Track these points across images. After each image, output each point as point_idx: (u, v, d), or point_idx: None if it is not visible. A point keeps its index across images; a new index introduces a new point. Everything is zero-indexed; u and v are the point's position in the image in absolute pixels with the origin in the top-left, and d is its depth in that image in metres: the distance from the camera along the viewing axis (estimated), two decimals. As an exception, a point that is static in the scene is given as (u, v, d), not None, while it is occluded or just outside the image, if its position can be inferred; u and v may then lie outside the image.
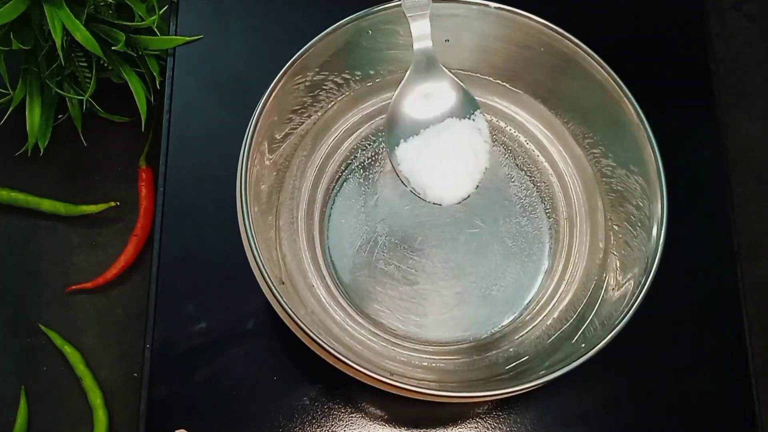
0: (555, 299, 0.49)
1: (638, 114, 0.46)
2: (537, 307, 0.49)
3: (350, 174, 0.52)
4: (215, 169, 0.52)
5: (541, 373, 0.41)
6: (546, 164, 0.52)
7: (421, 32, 0.46)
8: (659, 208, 0.44)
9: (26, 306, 0.57)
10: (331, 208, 0.51)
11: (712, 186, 0.55)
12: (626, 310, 0.42)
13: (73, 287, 0.57)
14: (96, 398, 0.54)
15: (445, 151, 0.46)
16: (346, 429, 0.49)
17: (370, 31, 0.48)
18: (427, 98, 0.47)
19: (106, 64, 0.55)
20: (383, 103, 0.53)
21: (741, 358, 0.51)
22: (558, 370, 0.41)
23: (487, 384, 0.45)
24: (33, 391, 0.55)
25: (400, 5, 0.47)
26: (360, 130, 0.53)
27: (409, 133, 0.47)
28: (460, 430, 0.49)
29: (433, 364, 0.48)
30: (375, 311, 0.49)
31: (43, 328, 0.56)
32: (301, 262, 0.49)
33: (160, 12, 0.56)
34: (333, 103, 0.52)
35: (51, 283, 0.57)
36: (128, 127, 0.60)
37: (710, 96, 0.57)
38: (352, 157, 0.52)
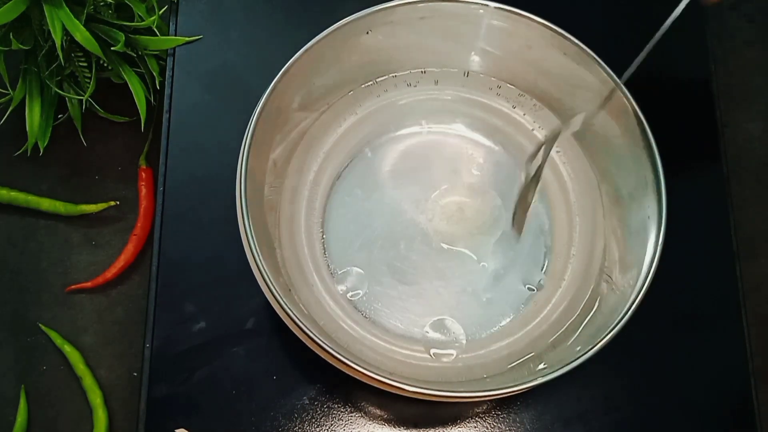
0: (554, 299, 0.49)
1: (637, 114, 0.46)
2: (536, 307, 0.49)
3: (350, 173, 0.52)
4: (215, 169, 0.52)
5: (540, 373, 0.41)
6: (547, 167, 0.52)
7: None
8: (659, 208, 0.44)
9: (26, 305, 0.57)
10: (331, 208, 0.51)
11: (712, 186, 0.55)
12: (625, 310, 0.42)
13: (73, 287, 0.57)
14: (96, 398, 0.54)
15: None
16: (345, 429, 0.49)
17: (369, 31, 0.48)
18: None
19: (105, 64, 0.55)
20: (383, 103, 0.53)
21: (740, 358, 0.51)
22: (558, 370, 0.41)
23: (487, 384, 0.45)
24: (33, 391, 0.55)
25: (399, 5, 0.47)
26: (360, 130, 0.53)
27: None
28: (459, 429, 0.49)
29: (433, 364, 0.48)
30: (374, 311, 0.49)
31: (42, 327, 0.56)
32: (300, 262, 0.49)
33: (160, 12, 0.56)
34: (332, 102, 0.52)
35: (51, 283, 0.57)
36: (128, 127, 0.60)
37: (710, 96, 0.57)
38: (352, 156, 0.52)
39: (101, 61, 0.55)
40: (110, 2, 0.54)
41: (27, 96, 0.56)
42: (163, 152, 0.53)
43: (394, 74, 0.52)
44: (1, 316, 0.57)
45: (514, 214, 0.50)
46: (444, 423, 0.49)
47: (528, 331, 0.49)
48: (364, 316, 0.48)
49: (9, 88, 0.56)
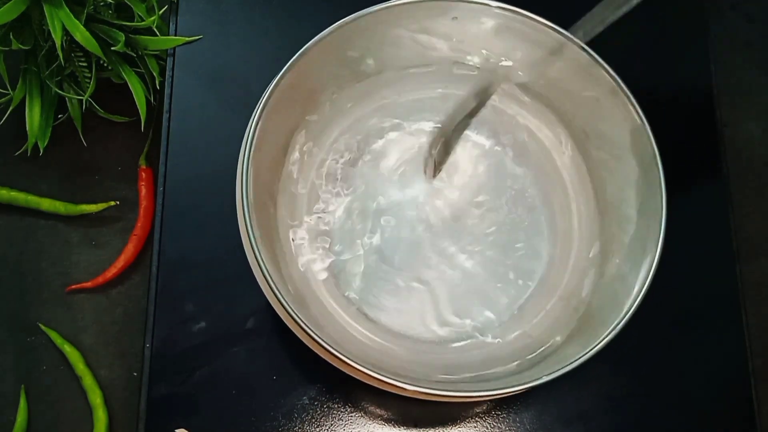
0: (554, 298, 0.49)
1: (638, 114, 0.46)
2: (536, 307, 0.49)
3: (351, 172, 0.52)
4: (215, 169, 0.52)
5: (541, 373, 0.41)
6: (546, 164, 0.52)
7: None
8: (659, 209, 0.44)
9: (26, 305, 0.57)
10: (332, 207, 0.51)
11: (712, 186, 0.55)
12: (625, 311, 0.42)
13: (73, 286, 0.57)
14: (96, 397, 0.54)
15: None
16: (345, 428, 0.49)
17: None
18: None
19: (105, 64, 0.55)
20: (383, 101, 0.53)
21: (740, 358, 0.51)
22: (557, 370, 0.41)
23: (487, 383, 0.45)
24: (33, 391, 0.55)
25: (398, 4, 0.47)
26: (361, 129, 0.53)
27: None
28: (459, 429, 0.49)
29: (432, 363, 0.48)
30: (374, 310, 0.49)
31: (42, 327, 0.56)
32: (300, 261, 0.49)
33: (160, 12, 0.56)
34: (333, 101, 0.52)
35: (51, 283, 0.57)
36: (128, 127, 0.60)
37: (710, 96, 0.57)
38: (353, 155, 0.52)
39: (101, 61, 0.55)
40: (110, 2, 0.54)
41: (27, 96, 0.56)
42: (163, 152, 0.53)
43: (393, 73, 0.52)
44: (1, 316, 0.57)
45: (433, 151, 0.50)
46: (444, 423, 0.49)
47: (528, 330, 0.49)
48: (365, 315, 0.48)
49: (9, 88, 0.56)
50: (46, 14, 0.51)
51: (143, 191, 0.58)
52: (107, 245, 0.59)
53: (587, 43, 0.46)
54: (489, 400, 0.49)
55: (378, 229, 0.50)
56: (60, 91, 0.56)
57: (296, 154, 0.51)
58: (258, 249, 0.42)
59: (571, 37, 0.47)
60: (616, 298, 0.45)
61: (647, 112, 0.46)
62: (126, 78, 0.56)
